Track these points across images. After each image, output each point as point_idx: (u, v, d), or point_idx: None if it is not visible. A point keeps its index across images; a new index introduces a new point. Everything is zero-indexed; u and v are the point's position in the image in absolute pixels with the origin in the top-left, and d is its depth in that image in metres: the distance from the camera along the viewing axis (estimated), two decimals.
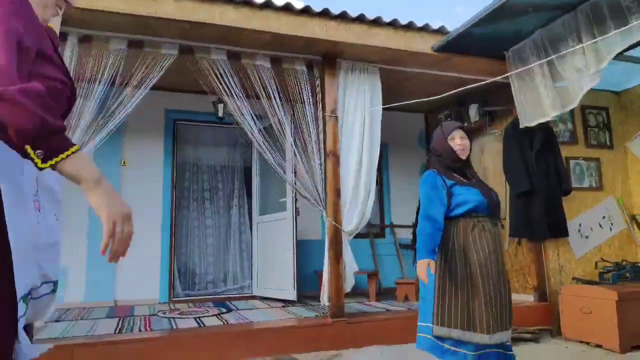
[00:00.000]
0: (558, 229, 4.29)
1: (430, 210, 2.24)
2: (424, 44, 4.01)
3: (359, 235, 5.66)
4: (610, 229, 4.71)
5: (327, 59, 3.92)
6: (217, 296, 5.33)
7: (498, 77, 4.05)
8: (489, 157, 4.90)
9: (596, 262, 4.41)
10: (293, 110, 3.87)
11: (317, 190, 3.79)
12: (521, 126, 4.01)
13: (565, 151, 4.55)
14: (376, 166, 3.97)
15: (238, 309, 4.39)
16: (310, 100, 3.87)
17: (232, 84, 3.69)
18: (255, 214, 5.34)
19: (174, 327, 3.51)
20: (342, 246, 3.74)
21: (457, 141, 2.44)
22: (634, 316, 3.78)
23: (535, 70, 3.85)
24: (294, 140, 3.79)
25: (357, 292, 5.27)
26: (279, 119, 3.77)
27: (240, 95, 3.71)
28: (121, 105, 3.40)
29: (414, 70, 4.29)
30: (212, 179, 5.76)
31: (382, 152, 6.35)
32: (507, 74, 4.04)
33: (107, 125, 3.33)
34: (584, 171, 4.73)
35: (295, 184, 3.85)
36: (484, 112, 4.96)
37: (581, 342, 3.92)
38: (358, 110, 3.94)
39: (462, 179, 2.40)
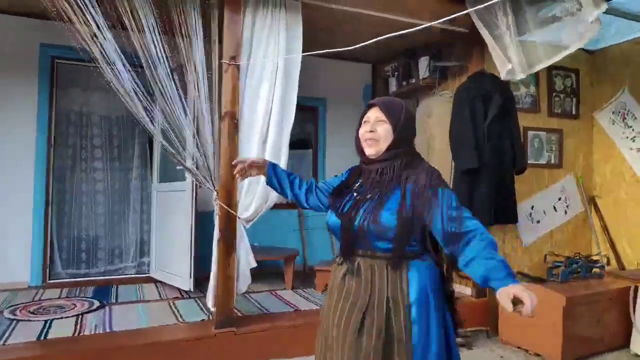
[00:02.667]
0: (506, 214, 3.61)
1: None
2: None
3: (282, 206, 4.88)
4: (566, 212, 4.10)
5: None
6: (105, 277, 4.46)
7: (457, 15, 3.18)
8: (436, 123, 4.09)
9: (545, 256, 3.80)
10: (179, 54, 2.88)
11: (206, 162, 2.90)
12: (511, 78, 3.21)
13: (524, 120, 3.80)
14: (289, 134, 3.09)
15: (116, 302, 3.57)
16: (202, 41, 2.88)
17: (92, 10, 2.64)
18: (155, 181, 4.41)
19: (7, 335, 2.68)
20: (237, 237, 2.93)
21: (367, 127, 1.62)
22: (581, 324, 3.22)
23: (499, 17, 2.99)
24: (180, 95, 2.83)
25: (275, 271, 4.55)
26: (152, 63, 2.78)
27: (104, 26, 2.69)
28: None
29: (347, 9, 3.33)
30: (105, 134, 4.67)
31: (319, 108, 5.47)
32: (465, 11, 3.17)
33: None
34: (543, 145, 4.02)
35: (180, 152, 2.92)
36: (435, 67, 4.10)
37: (519, 347, 3.37)
38: (268, 62, 3.00)
39: (355, 186, 1.65)
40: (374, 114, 1.64)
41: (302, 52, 3.09)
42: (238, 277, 2.97)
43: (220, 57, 2.94)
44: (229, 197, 2.89)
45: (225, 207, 2.87)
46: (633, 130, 3.88)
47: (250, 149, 2.96)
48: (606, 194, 4.11)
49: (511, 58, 3.23)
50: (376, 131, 1.60)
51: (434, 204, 1.47)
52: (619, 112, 4.00)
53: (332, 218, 1.63)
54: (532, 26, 3.18)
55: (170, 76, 2.82)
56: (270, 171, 1.87)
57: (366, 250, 1.55)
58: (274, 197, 3.01)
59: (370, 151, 1.62)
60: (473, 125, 3.59)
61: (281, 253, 4.26)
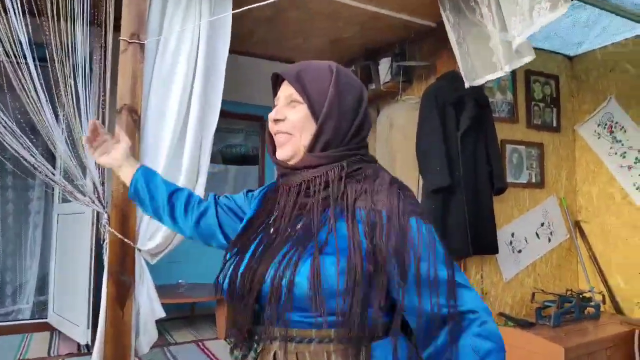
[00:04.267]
0: (485, 243, 2.98)
1: None
2: None
3: None
4: (549, 239, 3.52)
5: None
6: None
7: None
8: (399, 135, 3.46)
9: (533, 294, 3.18)
10: (50, 28, 2.11)
11: (91, 175, 2.11)
12: (467, 85, 2.58)
13: (500, 131, 3.22)
14: (211, 142, 2.35)
15: None
16: (86, 10, 2.14)
17: None
18: (57, 200, 3.55)
19: None
20: (136, 277, 2.13)
21: (272, 114, 1.00)
22: None
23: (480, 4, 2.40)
24: (42, 84, 2.05)
25: (209, 312, 3.72)
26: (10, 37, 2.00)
27: None
28: None
29: None
30: None
31: (265, 117, 4.78)
32: None
33: None
34: (522, 161, 3.46)
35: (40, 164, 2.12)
36: (398, 69, 3.50)
37: None
38: (186, 41, 2.27)
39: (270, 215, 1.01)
40: (286, 90, 0.98)
41: (239, 49, 2.39)
42: (138, 333, 2.16)
43: (116, 34, 2.20)
44: (125, 222, 2.10)
45: (119, 235, 2.07)
46: (622, 144, 3.38)
47: (157, 157, 2.19)
48: (592, 218, 3.57)
49: (494, 49, 2.64)
50: (286, 119, 0.96)
51: (406, 255, 0.84)
52: (605, 125, 3.50)
53: (227, 266, 0.94)
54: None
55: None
56: (141, 171, 1.17)
57: (287, 331, 0.85)
58: (202, 185, 2.25)
59: (281, 154, 0.97)
60: (444, 135, 2.97)
61: (213, 292, 3.44)
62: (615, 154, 3.43)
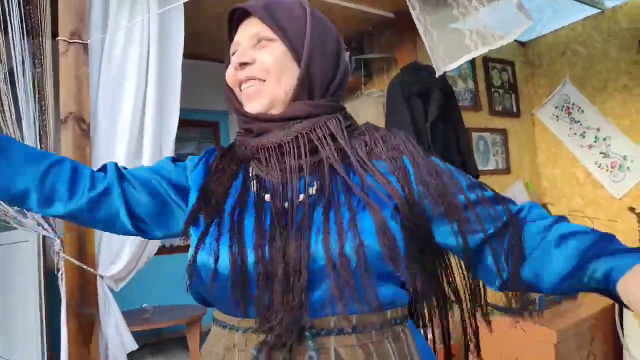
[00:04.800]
0: None
1: None
2: None
3: (180, 248, 3.83)
4: None
5: None
6: None
7: None
8: None
9: None
10: None
11: None
12: (438, 73, 2.48)
13: (466, 120, 3.18)
14: (173, 143, 2.13)
15: None
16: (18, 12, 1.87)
17: None
18: None
19: None
20: (100, 308, 1.87)
21: (236, 58, 0.82)
22: None
23: None
24: None
25: (179, 335, 3.44)
26: None
27: None
28: None
29: None
30: None
31: (220, 124, 4.53)
32: None
33: None
34: (489, 148, 3.45)
35: None
36: (357, 62, 3.39)
37: None
38: (135, 39, 2.04)
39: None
40: (249, 29, 0.82)
41: (186, 52, 2.17)
42: None
43: (56, 35, 1.93)
44: (82, 246, 1.84)
45: (76, 262, 1.81)
46: (581, 124, 3.45)
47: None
48: (558, 199, 3.62)
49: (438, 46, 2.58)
50: (255, 62, 0.80)
51: (451, 191, 0.78)
52: (563, 107, 3.56)
53: (227, 257, 0.72)
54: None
55: None
56: None
57: (348, 316, 0.71)
58: (156, 242, 2.01)
59: (256, 106, 0.81)
60: (414, 127, 2.90)
61: (182, 314, 3.17)
62: (575, 134, 3.49)
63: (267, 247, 0.70)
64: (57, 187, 0.80)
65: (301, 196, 0.75)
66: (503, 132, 3.52)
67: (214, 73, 3.81)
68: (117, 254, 1.93)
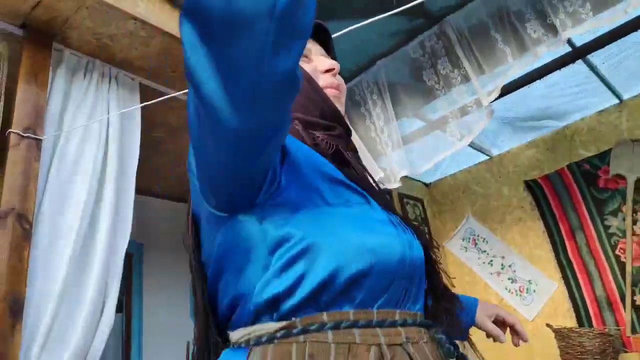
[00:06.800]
0: None
1: None
2: None
3: None
4: None
5: (34, 35, 1.94)
6: None
7: None
8: None
9: None
10: None
11: None
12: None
13: None
14: (122, 259, 1.93)
15: None
16: None
17: None
18: None
19: None
20: None
21: (329, 64, 0.91)
22: None
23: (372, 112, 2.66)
24: None
25: None
26: None
27: None
28: None
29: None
30: None
31: (133, 256, 4.19)
32: None
33: None
34: None
35: None
36: None
37: None
38: (92, 137, 1.96)
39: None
40: (327, 44, 0.96)
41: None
42: None
43: (5, 126, 1.79)
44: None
45: None
46: (488, 254, 3.82)
47: (53, 273, 1.68)
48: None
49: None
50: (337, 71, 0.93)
51: None
52: (469, 239, 3.96)
53: (393, 236, 0.71)
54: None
55: None
56: None
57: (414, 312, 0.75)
58: (102, 342, 1.69)
59: (340, 109, 0.90)
60: None
61: None
62: (484, 263, 3.83)
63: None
64: None
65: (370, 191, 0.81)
66: None
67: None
68: None
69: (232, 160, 0.59)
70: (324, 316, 0.63)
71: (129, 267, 3.92)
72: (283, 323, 0.63)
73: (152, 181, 3.71)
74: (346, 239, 0.65)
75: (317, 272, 0.63)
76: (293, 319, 0.63)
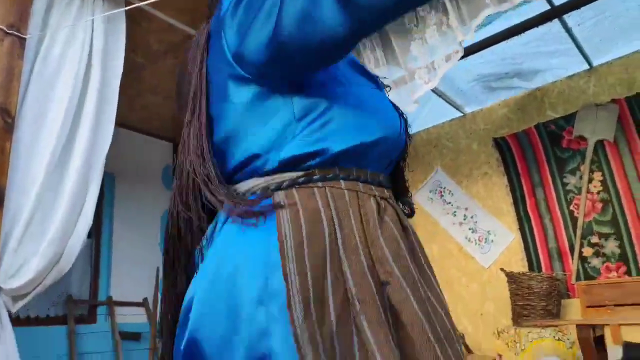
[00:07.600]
0: None
1: None
2: None
3: (45, 321, 3.28)
4: None
5: None
6: None
7: None
8: None
9: None
10: None
11: None
12: None
13: None
14: (103, 160, 1.98)
15: None
16: None
17: None
18: None
19: None
20: None
21: None
22: None
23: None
24: None
25: None
26: None
27: None
28: None
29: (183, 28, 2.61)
30: None
31: (105, 185, 4.21)
32: None
33: None
34: None
35: None
36: None
37: None
38: (76, 45, 1.97)
39: None
40: None
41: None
42: None
43: None
44: None
45: None
46: (452, 205, 4.01)
47: (34, 169, 1.73)
48: (437, 273, 3.99)
49: None
50: None
51: None
52: (436, 190, 4.13)
53: (396, 118, 0.92)
54: None
55: None
56: None
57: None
58: (74, 253, 1.76)
59: None
60: None
61: None
62: (447, 214, 4.02)
63: None
64: None
65: None
66: None
67: None
68: (21, 264, 1.63)
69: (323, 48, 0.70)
70: (337, 170, 0.77)
71: (100, 196, 3.95)
72: (304, 172, 0.76)
73: (125, 113, 3.68)
74: (364, 115, 0.80)
75: (339, 141, 0.76)
76: (312, 170, 0.76)
